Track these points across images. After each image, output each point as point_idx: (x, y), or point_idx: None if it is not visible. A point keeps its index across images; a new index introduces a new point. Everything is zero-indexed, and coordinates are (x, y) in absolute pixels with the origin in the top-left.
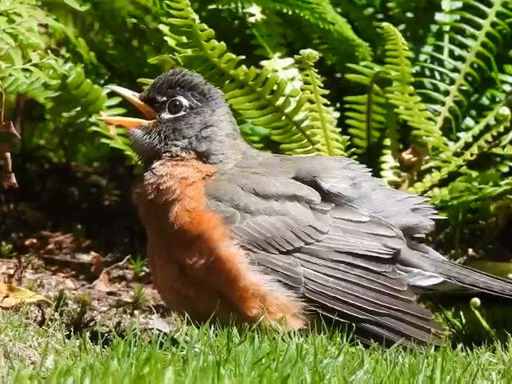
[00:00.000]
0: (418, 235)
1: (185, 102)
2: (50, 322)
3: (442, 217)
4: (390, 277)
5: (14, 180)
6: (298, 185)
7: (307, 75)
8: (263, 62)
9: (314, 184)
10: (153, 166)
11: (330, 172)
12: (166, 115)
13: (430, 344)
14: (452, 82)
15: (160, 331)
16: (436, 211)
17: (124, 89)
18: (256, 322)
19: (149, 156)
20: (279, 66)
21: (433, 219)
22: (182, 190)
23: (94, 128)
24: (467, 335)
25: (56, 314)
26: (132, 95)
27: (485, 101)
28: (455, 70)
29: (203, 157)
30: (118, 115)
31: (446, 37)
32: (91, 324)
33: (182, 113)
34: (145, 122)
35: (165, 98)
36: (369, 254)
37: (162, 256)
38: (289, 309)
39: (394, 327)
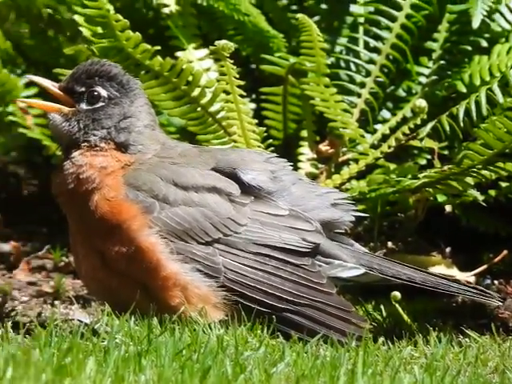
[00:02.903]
0: (337, 230)
1: (103, 93)
2: None
3: (363, 214)
4: (309, 269)
5: None
6: (217, 176)
7: (222, 66)
8: (178, 53)
9: (233, 176)
10: (72, 156)
11: (249, 164)
12: (84, 106)
13: (351, 335)
14: (368, 73)
15: (81, 322)
16: (356, 207)
17: (43, 79)
18: (177, 311)
19: (68, 144)
20: (194, 57)
21: (353, 215)
22: (102, 179)
23: (11, 118)
24: (388, 329)
25: None
26: (51, 85)
27: (401, 93)
28: (371, 61)
29: (122, 147)
30: None
31: (361, 28)
32: (12, 314)
33: (101, 103)
34: (65, 109)
35: (83, 89)
36: (287, 246)
37: (85, 246)
38: (209, 299)
39: (315, 317)
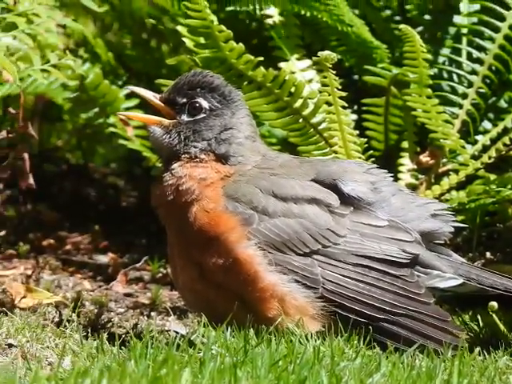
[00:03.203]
0: (436, 241)
1: (205, 104)
2: (67, 323)
3: (462, 225)
4: (407, 280)
5: (31, 181)
6: (316, 188)
7: (325, 77)
8: (281, 64)
9: (333, 187)
10: (172, 167)
11: (350, 175)
12: (185, 117)
13: (447, 344)
14: (470, 84)
15: (177, 333)
16: (456, 218)
17: (144, 90)
18: (274, 323)
19: (168, 156)
20: (297, 68)
21: (452, 226)
22: (201, 190)
23: (112, 129)
24: (484, 339)
25: (73, 315)
26: (152, 96)
27: (503, 103)
28: (473, 72)
29: (222, 158)
30: None
31: (464, 39)
32: (108, 325)
33: (202, 115)
34: (165, 121)
35: (185, 100)
36: (386, 257)
37: (182, 257)
38: (307, 310)
39: (412, 327)
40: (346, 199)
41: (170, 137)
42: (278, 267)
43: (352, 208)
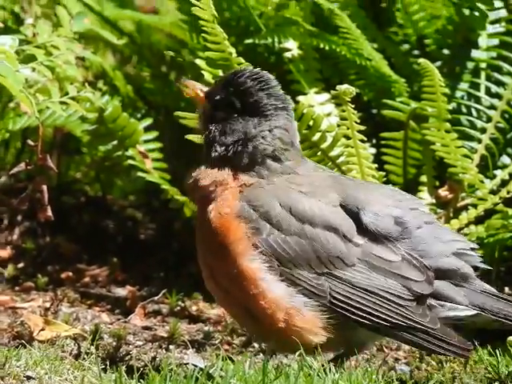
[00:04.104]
0: (456, 281)
1: (238, 106)
2: (85, 356)
3: (487, 266)
4: (412, 311)
5: (50, 213)
6: (337, 214)
7: (344, 111)
8: (300, 98)
9: (355, 215)
10: (200, 160)
11: (374, 205)
12: (220, 114)
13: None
14: (489, 119)
15: (195, 366)
16: (481, 259)
17: (194, 82)
18: (280, 335)
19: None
20: (316, 102)
21: (474, 266)
22: (219, 192)
23: (131, 162)
24: (503, 374)
25: (92, 347)
26: (199, 90)
27: None
28: (492, 107)
29: (239, 168)
30: (155, 150)
31: (483, 74)
32: (127, 358)
33: (234, 117)
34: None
35: (221, 97)
36: (390, 291)
37: (199, 251)
38: (314, 322)
39: (417, 341)
40: (364, 229)
41: (204, 129)
42: (283, 281)
43: (367, 239)
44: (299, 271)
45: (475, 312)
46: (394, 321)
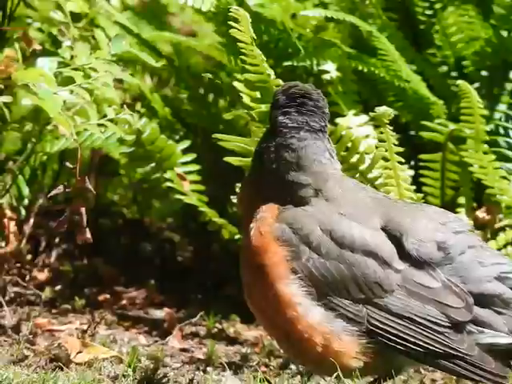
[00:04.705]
0: (497, 307)
1: (286, 122)
2: (123, 378)
3: None
4: (450, 337)
5: (88, 235)
6: (379, 239)
7: (382, 133)
8: (338, 120)
9: (397, 240)
10: (247, 176)
11: (418, 232)
12: (271, 128)
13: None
14: None
15: None
16: None
17: None
18: (320, 359)
19: None
20: (354, 123)
21: None
22: (259, 208)
23: (168, 184)
24: None
25: (129, 369)
26: None
27: None
28: None
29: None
30: (193, 172)
31: None
32: (164, 380)
33: (281, 132)
34: None
35: (277, 112)
36: (428, 318)
37: (241, 265)
38: (352, 346)
39: (454, 368)
40: (406, 255)
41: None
42: (321, 305)
43: (408, 264)
44: (337, 297)
45: None
46: (430, 347)
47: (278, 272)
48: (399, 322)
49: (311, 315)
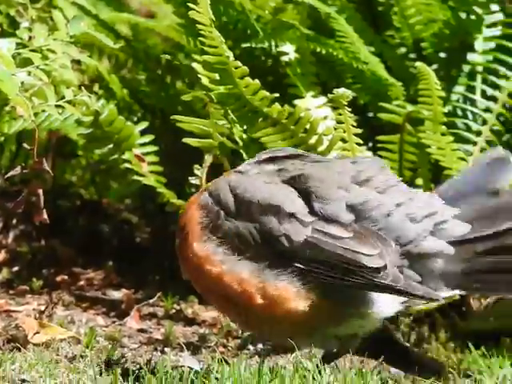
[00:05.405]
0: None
1: None
2: (80, 359)
3: None
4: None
5: (45, 216)
6: (283, 194)
7: (340, 114)
8: (296, 101)
9: (306, 196)
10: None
11: (328, 190)
12: None
13: None
14: (484, 122)
15: (191, 368)
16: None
17: None
18: (262, 311)
19: None
20: (312, 105)
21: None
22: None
23: (127, 165)
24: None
25: (87, 350)
26: None
27: None
28: (487, 110)
29: None
30: (151, 153)
31: (479, 77)
32: (122, 361)
33: None
34: None
35: None
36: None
37: None
38: (288, 289)
39: None
40: (314, 212)
41: None
42: (247, 259)
43: (317, 218)
44: (258, 251)
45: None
46: (356, 281)
47: (195, 234)
48: (319, 266)
49: (239, 270)
